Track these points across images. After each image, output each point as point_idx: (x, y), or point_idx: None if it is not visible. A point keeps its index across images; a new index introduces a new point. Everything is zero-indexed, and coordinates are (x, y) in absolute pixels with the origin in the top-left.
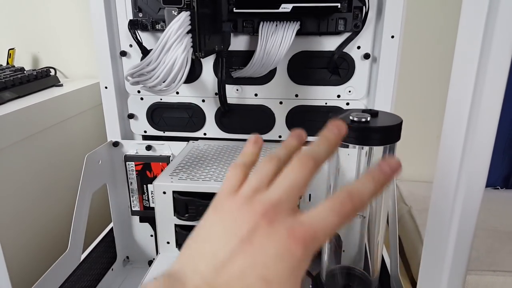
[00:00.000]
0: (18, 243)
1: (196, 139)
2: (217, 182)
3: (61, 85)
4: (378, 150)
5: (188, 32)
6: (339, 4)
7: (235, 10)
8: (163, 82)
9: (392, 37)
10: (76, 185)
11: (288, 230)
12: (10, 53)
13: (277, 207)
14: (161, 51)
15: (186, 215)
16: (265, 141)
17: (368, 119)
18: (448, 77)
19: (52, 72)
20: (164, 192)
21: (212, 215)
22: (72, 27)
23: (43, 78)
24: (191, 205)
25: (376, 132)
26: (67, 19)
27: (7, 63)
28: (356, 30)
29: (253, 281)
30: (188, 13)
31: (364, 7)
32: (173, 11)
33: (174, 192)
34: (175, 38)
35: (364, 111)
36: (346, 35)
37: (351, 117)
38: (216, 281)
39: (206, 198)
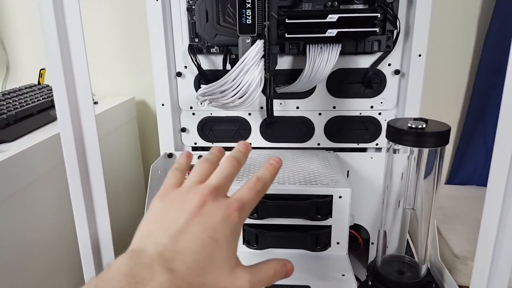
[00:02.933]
0: (67, 267)
1: None
2: (279, 185)
3: (96, 103)
4: (425, 154)
5: (262, 57)
6: (377, 29)
7: (287, 36)
8: (239, 98)
9: (420, 55)
10: (115, 200)
11: (227, 204)
12: (42, 73)
13: (218, 190)
14: (239, 73)
15: (255, 214)
16: (305, 148)
17: (424, 126)
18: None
19: None
20: None
21: (159, 203)
22: (101, 48)
23: None
24: (260, 205)
25: (431, 136)
26: (95, 39)
27: (38, 82)
28: (387, 50)
29: (206, 241)
30: (262, 41)
31: (395, 30)
32: (246, 40)
33: None
34: (253, 62)
35: (416, 119)
36: (378, 54)
37: (409, 124)
38: (175, 245)
39: (271, 199)
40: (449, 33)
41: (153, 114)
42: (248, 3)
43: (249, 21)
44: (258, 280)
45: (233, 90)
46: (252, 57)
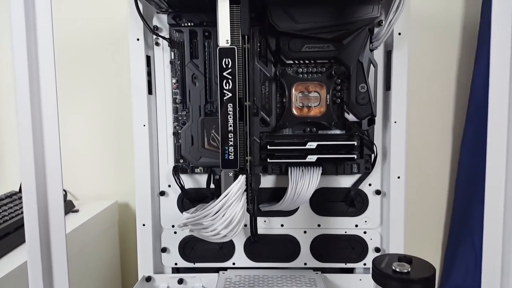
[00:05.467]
0: None
1: (225, 269)
2: None
3: (77, 211)
4: None
5: (244, 191)
6: (355, 156)
7: (269, 161)
8: (221, 231)
9: (398, 177)
10: None
11: None
12: None
13: None
14: (221, 207)
15: None
16: (292, 268)
17: (409, 269)
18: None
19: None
20: None
21: None
22: (82, 148)
23: None
24: None
25: (417, 283)
26: (76, 140)
27: (20, 190)
28: (367, 172)
29: None
30: (244, 176)
31: (373, 154)
32: (229, 173)
33: None
34: (235, 197)
35: (399, 258)
36: (359, 175)
37: (393, 267)
38: None
39: None
40: (424, 143)
41: (135, 217)
42: (231, 140)
43: (231, 157)
44: None
45: (215, 224)
46: (234, 192)
